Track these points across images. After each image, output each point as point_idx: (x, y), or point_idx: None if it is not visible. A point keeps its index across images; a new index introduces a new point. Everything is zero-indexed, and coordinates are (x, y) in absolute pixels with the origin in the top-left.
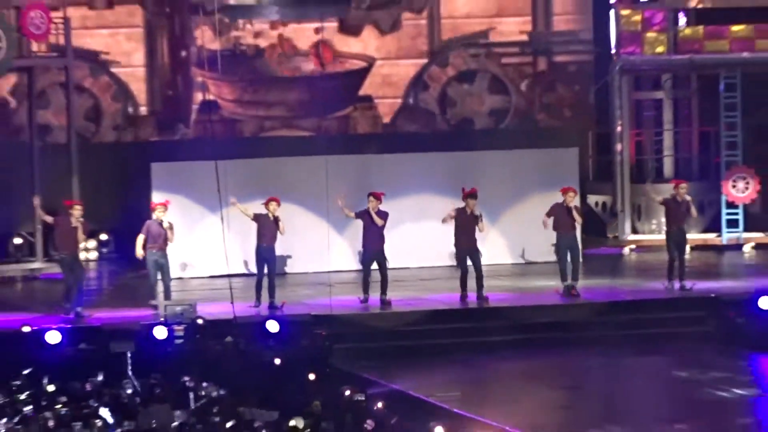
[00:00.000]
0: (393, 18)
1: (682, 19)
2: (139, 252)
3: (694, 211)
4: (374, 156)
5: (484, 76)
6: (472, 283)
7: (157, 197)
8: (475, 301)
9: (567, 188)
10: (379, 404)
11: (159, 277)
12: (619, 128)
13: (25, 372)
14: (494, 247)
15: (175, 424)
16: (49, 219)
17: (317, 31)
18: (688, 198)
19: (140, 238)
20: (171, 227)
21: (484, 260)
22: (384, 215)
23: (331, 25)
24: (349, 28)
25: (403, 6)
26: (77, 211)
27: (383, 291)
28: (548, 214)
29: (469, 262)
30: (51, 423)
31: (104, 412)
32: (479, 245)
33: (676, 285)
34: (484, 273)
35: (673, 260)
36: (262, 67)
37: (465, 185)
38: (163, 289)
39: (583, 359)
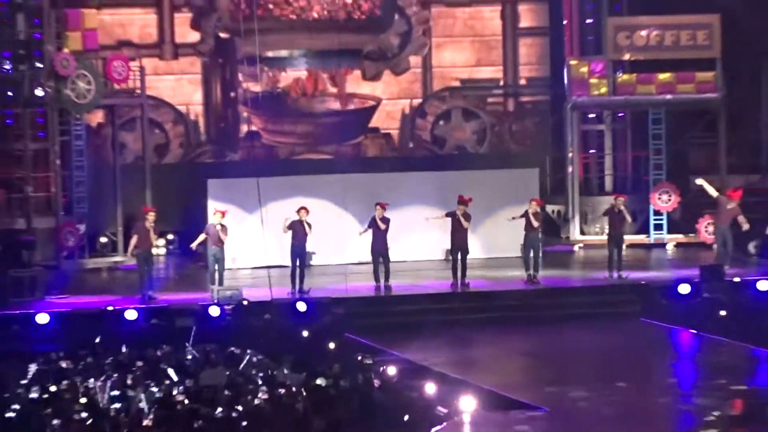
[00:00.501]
0: (393, 68)
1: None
2: (194, 245)
3: (628, 218)
4: (381, 174)
5: (467, 112)
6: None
7: (212, 206)
8: (459, 287)
9: (534, 199)
10: (384, 367)
11: (216, 267)
12: (570, 153)
13: (104, 342)
14: (474, 245)
15: (225, 382)
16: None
17: (336, 77)
18: (623, 208)
19: (201, 237)
20: (223, 229)
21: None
22: (386, 221)
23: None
24: (362, 75)
25: (400, 59)
26: (151, 216)
27: (386, 279)
28: (521, 216)
29: (458, 256)
30: (129, 381)
31: (171, 372)
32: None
33: (615, 275)
34: (467, 266)
35: (612, 256)
36: (293, 104)
37: (463, 194)
38: (218, 277)
39: (541, 333)
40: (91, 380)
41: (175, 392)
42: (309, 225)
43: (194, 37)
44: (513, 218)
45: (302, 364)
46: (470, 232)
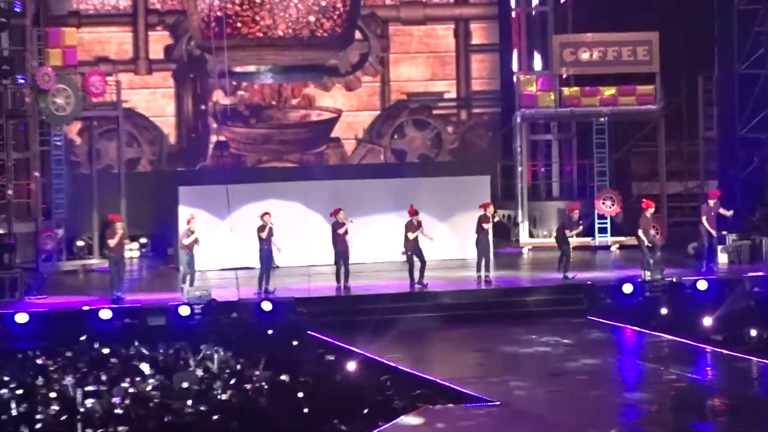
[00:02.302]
0: (352, 82)
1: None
2: (188, 242)
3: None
4: (341, 181)
5: (423, 123)
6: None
7: (183, 213)
8: (417, 287)
9: (483, 204)
10: (345, 363)
11: (187, 269)
12: (519, 161)
13: (82, 339)
14: (430, 247)
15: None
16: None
17: (299, 90)
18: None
19: (193, 237)
20: (186, 233)
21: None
22: (341, 225)
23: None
24: (324, 88)
25: (360, 74)
26: (119, 222)
27: (346, 279)
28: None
29: (415, 259)
30: (103, 378)
31: (144, 366)
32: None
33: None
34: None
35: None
36: (259, 116)
37: (414, 203)
38: (188, 278)
39: (493, 330)
40: (67, 377)
41: (147, 388)
42: (271, 229)
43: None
44: (498, 220)
45: (267, 360)
46: (428, 234)
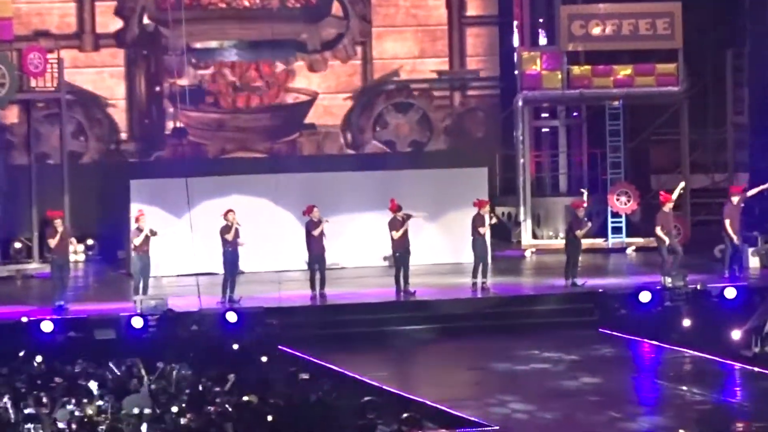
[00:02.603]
0: (329, 60)
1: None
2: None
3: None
4: (316, 174)
5: (410, 107)
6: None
7: (135, 209)
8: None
9: (477, 201)
10: (320, 382)
11: (140, 275)
12: (521, 150)
13: (21, 354)
14: (419, 250)
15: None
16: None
17: (268, 69)
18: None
19: (142, 235)
20: (136, 233)
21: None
22: (316, 225)
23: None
24: (297, 68)
25: (338, 50)
26: (58, 219)
27: (322, 286)
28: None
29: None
30: (45, 399)
31: (92, 385)
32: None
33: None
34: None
35: (569, 261)
36: (223, 99)
37: (395, 198)
38: (142, 285)
39: (490, 345)
40: (3, 398)
41: (95, 410)
42: (237, 229)
43: (117, 26)
44: (495, 221)
45: (234, 379)
46: (414, 236)
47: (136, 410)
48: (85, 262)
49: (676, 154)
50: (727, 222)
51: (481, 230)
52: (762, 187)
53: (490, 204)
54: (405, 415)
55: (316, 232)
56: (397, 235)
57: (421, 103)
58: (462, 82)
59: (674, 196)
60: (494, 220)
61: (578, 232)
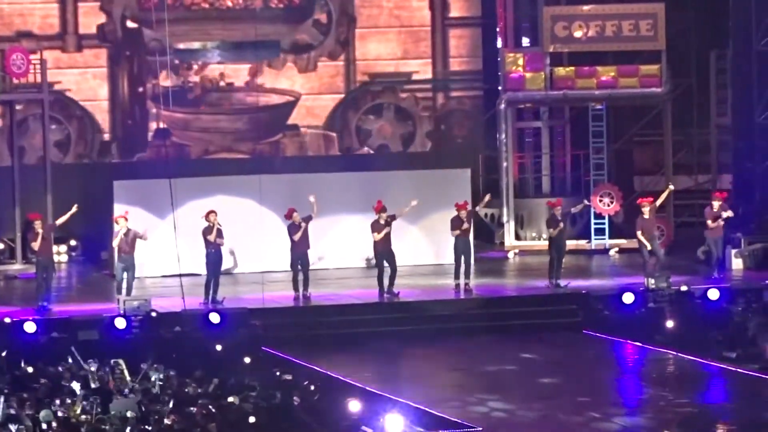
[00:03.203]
0: (312, 61)
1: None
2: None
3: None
4: (300, 175)
5: (394, 108)
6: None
7: (118, 210)
8: (387, 296)
9: (458, 204)
10: (304, 383)
11: (123, 276)
12: (504, 152)
13: (3, 355)
14: (402, 251)
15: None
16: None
17: (252, 70)
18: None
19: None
20: (116, 234)
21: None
22: (297, 228)
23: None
24: (279, 68)
25: (321, 51)
26: (38, 223)
27: (305, 287)
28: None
29: (386, 264)
30: (28, 400)
31: (75, 386)
32: (393, 247)
33: (554, 283)
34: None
35: (552, 262)
36: (206, 100)
37: (381, 199)
38: (125, 286)
39: (474, 346)
40: None
41: (78, 411)
42: (220, 230)
43: (100, 24)
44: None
45: (216, 380)
46: (397, 238)
47: (121, 413)
48: (68, 263)
49: (659, 155)
50: (709, 222)
51: (453, 233)
52: (724, 215)
53: (470, 206)
54: (389, 416)
55: (296, 237)
56: (378, 237)
57: (404, 105)
58: (445, 84)
59: (660, 200)
60: (478, 208)
61: (551, 231)
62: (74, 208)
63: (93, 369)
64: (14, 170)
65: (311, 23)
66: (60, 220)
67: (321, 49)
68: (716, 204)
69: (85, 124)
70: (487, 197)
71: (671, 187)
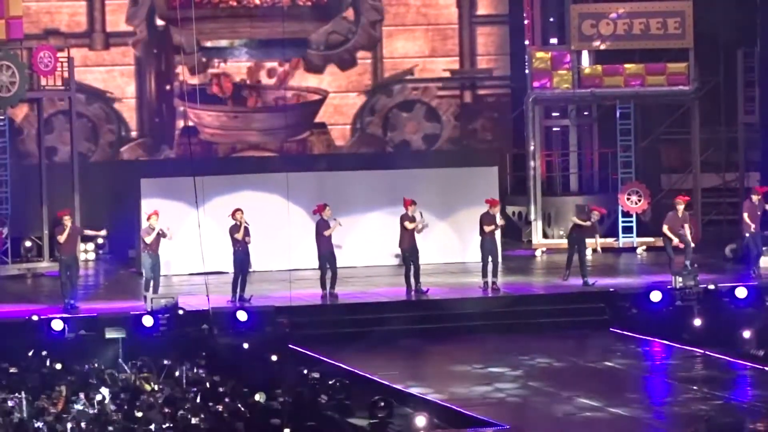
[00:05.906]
0: (345, 57)
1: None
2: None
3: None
4: (327, 173)
5: (420, 106)
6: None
7: (145, 208)
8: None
9: (488, 200)
10: (332, 381)
11: (151, 274)
12: (532, 150)
13: (31, 353)
14: (429, 249)
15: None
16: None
17: (279, 68)
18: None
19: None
20: (147, 231)
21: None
22: (326, 224)
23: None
24: (307, 66)
25: (348, 49)
26: (67, 220)
27: (332, 286)
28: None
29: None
30: (55, 397)
31: (104, 391)
32: (419, 245)
33: (580, 281)
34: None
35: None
36: (233, 98)
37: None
38: (152, 284)
39: (501, 344)
40: (13, 396)
41: (106, 410)
42: (247, 228)
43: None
44: (502, 224)
45: (242, 377)
46: (424, 235)
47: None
48: (95, 261)
49: (687, 153)
50: (746, 215)
51: (486, 228)
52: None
53: (501, 204)
54: (416, 414)
55: (327, 233)
56: (410, 226)
57: (432, 103)
58: (472, 82)
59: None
60: (502, 222)
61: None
62: (103, 232)
63: (126, 371)
64: (41, 169)
65: (338, 21)
66: (87, 232)
67: (348, 46)
68: (755, 198)
69: (112, 122)
70: (500, 221)
71: None
